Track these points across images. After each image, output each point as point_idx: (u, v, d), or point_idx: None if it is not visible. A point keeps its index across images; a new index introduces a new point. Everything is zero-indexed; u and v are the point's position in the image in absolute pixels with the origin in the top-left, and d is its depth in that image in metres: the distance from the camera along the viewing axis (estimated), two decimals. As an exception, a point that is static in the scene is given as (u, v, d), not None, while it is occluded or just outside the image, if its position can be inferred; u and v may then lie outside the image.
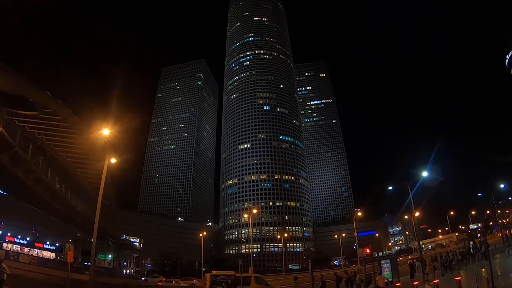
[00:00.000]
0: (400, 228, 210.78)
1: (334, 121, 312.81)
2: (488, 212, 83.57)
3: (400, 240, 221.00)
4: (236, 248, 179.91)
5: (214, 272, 44.20)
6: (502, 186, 61.09)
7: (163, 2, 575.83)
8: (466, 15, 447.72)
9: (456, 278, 23.76)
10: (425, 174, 41.21)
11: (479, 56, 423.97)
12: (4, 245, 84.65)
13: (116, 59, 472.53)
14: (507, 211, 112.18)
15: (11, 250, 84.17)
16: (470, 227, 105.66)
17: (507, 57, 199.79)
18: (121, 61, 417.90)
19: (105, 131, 27.90)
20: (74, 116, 36.12)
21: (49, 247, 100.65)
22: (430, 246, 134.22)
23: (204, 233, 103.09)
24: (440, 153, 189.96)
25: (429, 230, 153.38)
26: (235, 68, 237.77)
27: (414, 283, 27.24)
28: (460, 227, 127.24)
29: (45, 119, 34.42)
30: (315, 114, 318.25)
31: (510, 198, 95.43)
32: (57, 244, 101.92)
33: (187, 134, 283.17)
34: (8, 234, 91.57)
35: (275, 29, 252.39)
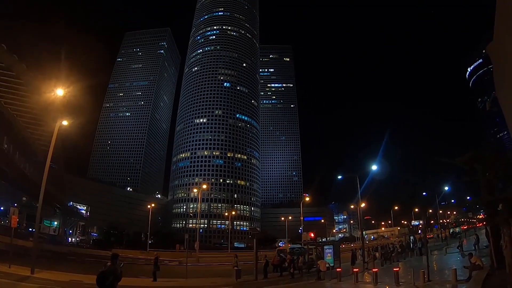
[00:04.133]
0: (345, 216, 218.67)
1: (292, 106, 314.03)
2: (430, 211, 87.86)
3: (344, 228, 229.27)
4: (184, 222, 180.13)
5: (289, 245, 61.26)
6: (446, 188, 64.45)
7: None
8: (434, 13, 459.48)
9: (394, 269, 24.80)
10: (374, 167, 42.53)
11: (441, 59, 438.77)
12: None
13: (78, 18, 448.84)
14: (448, 212, 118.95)
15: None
16: (412, 223, 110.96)
17: (468, 69, 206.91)
18: (82, 21, 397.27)
19: (59, 91, 26.87)
20: (29, 73, 34.50)
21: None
22: (372, 237, 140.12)
23: (153, 205, 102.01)
24: (390, 148, 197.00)
25: (373, 222, 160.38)
26: (200, 41, 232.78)
27: (354, 270, 28.33)
28: (402, 221, 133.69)
29: (-3, 73, 32.71)
30: (274, 97, 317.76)
31: (452, 201, 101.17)
32: (1, 208, 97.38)
33: (144, 102, 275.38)
34: None
35: (246, 7, 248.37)
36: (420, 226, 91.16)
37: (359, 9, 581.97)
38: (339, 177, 50.02)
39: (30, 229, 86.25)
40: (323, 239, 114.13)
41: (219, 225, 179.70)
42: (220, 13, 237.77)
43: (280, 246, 54.78)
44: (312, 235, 57.13)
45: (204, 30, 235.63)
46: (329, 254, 40.25)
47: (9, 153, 42.58)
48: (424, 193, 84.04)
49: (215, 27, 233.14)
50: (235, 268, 34.10)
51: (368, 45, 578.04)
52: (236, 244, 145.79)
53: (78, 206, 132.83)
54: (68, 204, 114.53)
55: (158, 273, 30.18)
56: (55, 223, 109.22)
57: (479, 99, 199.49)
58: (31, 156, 51.07)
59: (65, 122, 30.15)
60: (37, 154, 51.00)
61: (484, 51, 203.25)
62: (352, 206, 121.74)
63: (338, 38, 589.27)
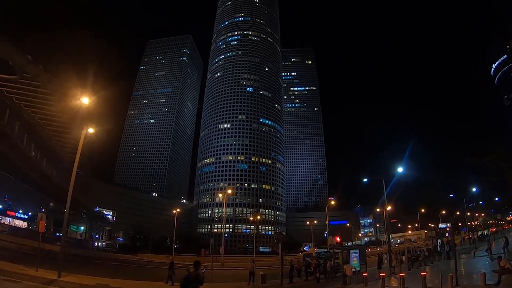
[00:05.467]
0: (371, 220, 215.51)
1: (316, 109, 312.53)
2: (458, 213, 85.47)
3: (370, 232, 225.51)
4: (209, 227, 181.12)
5: (316, 249, 64.61)
6: (474, 190, 62.36)
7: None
8: (459, 15, 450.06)
9: (421, 273, 24.11)
10: (400, 170, 41.46)
11: (467, 58, 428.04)
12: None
13: (101, 28, 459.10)
14: (476, 214, 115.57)
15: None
16: (439, 226, 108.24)
17: (493, 66, 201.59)
18: (106, 31, 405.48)
19: (85, 100, 27.35)
20: (54, 82, 35.03)
21: (22, 216, 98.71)
22: (399, 241, 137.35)
23: (178, 210, 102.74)
24: (417, 150, 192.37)
25: (399, 225, 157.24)
26: (221, 47, 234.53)
27: (381, 274, 27.72)
28: (429, 224, 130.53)
29: (24, 83, 33.28)
30: (297, 100, 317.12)
31: (480, 203, 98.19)
32: (29, 213, 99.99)
33: (168, 109, 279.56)
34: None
35: (266, 11, 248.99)
36: (448, 229, 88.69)
37: (381, 8, 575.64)
38: (365, 180, 48.43)
39: (57, 234, 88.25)
40: (349, 243, 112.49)
41: (244, 230, 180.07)
42: (240, 19, 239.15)
43: (306, 251, 55.12)
44: (338, 239, 56.38)
45: (225, 36, 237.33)
46: (355, 258, 39.61)
47: (37, 160, 43.56)
48: (451, 195, 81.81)
49: (236, 33, 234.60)
50: (251, 272, 33.93)
51: (390, 45, 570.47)
52: (261, 249, 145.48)
53: (104, 212, 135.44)
54: (95, 210, 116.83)
55: (174, 277, 30.09)
56: (82, 228, 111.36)
57: (505, 96, 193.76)
58: (58, 163, 52.06)
59: (91, 130, 30.65)
60: (64, 161, 51.92)
61: (508, 46, 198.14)
62: (378, 210, 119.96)
63: (361, 38, 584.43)
